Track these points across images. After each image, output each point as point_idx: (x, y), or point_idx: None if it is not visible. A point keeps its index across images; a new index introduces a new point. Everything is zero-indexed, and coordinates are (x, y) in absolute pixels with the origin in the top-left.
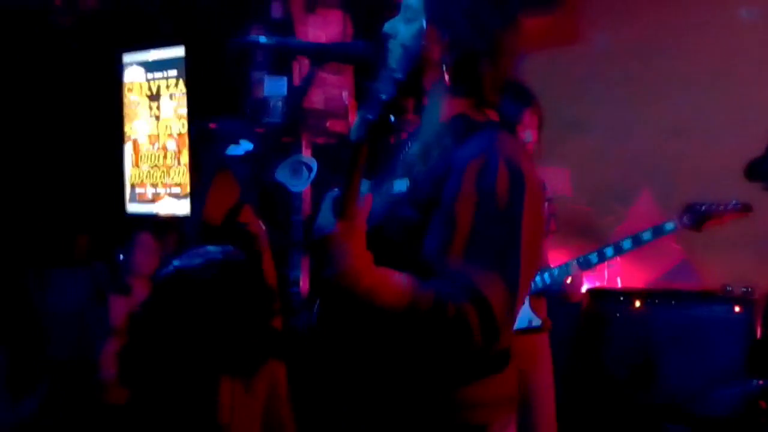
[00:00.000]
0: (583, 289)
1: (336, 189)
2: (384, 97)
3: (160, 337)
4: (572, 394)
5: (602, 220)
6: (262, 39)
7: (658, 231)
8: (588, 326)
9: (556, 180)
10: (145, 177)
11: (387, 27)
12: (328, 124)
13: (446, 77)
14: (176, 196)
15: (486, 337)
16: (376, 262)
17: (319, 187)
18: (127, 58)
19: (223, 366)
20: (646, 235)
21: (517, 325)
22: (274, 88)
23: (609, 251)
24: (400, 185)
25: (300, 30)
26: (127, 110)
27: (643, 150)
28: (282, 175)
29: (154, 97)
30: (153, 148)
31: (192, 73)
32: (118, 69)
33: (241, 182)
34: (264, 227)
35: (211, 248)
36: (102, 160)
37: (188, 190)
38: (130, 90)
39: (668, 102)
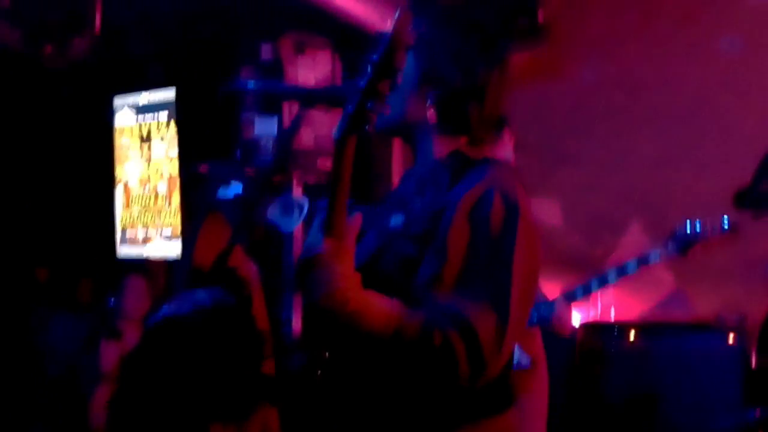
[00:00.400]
0: (577, 323)
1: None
2: (362, 84)
3: (150, 385)
4: (569, 428)
5: (593, 251)
6: (251, 84)
7: (642, 261)
8: (583, 360)
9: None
10: (136, 219)
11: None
12: (319, 162)
13: (430, 115)
14: (167, 237)
15: (472, 366)
16: None
17: (310, 226)
18: (118, 101)
19: (213, 413)
20: (631, 266)
21: None
22: (264, 127)
23: (594, 284)
24: (396, 220)
25: (290, 71)
26: (118, 153)
27: (631, 181)
28: (273, 214)
29: (146, 139)
30: (144, 190)
31: (183, 115)
32: (109, 113)
33: (231, 224)
34: (255, 268)
35: (200, 293)
36: (93, 204)
37: (179, 231)
38: (121, 133)
39: (655, 133)
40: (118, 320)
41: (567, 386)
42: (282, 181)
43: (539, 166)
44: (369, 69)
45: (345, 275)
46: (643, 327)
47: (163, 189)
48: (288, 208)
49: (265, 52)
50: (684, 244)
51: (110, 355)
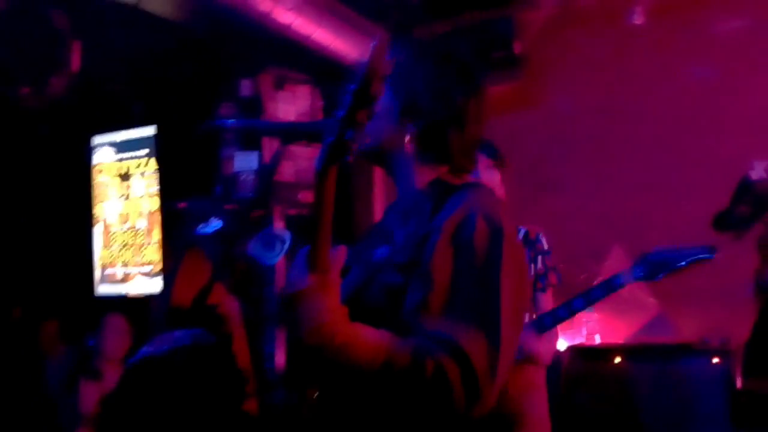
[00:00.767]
0: (563, 347)
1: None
2: (340, 113)
3: (130, 426)
4: None
5: (575, 277)
6: (230, 122)
7: (608, 287)
8: (569, 384)
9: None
10: (116, 257)
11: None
12: (299, 195)
13: (408, 146)
14: (148, 274)
15: (468, 394)
16: None
17: (293, 259)
18: (97, 139)
19: None
20: (597, 292)
21: None
22: (244, 162)
23: (562, 312)
24: (381, 252)
25: (269, 106)
26: (97, 192)
27: (611, 206)
28: (255, 248)
29: (125, 177)
30: (123, 227)
31: (163, 151)
32: (88, 152)
33: (211, 260)
34: (237, 304)
35: (179, 333)
36: (71, 244)
37: (160, 268)
38: (99, 171)
39: (633, 159)
40: (98, 360)
41: (553, 409)
42: (263, 216)
43: (520, 193)
44: (347, 98)
45: (331, 309)
46: (628, 350)
47: (142, 225)
48: (270, 241)
49: (245, 88)
50: (652, 270)
51: (90, 395)
